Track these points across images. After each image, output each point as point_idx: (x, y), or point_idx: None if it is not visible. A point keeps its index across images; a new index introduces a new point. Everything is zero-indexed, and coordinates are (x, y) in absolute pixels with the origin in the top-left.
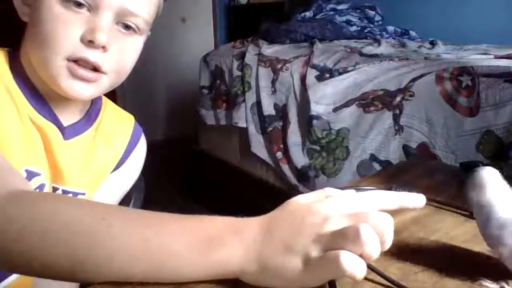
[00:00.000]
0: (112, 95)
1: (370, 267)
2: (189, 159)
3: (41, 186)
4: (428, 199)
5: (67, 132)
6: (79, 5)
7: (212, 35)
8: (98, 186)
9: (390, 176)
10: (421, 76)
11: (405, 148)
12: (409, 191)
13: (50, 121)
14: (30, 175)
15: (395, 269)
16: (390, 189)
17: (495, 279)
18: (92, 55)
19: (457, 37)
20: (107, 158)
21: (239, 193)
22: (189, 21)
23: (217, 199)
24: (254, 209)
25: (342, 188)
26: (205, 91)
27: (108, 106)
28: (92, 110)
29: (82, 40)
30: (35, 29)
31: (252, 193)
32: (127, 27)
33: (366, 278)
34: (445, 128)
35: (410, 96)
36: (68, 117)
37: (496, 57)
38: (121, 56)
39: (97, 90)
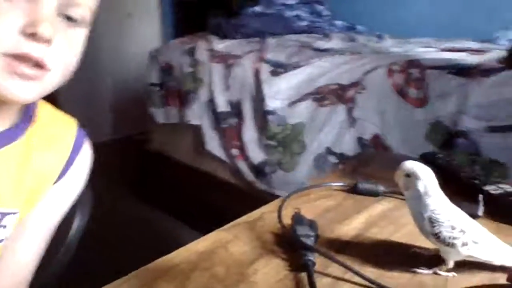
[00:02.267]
0: (51, 94)
1: (347, 267)
2: (140, 160)
3: None
4: (394, 192)
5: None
6: None
7: (158, 30)
8: (36, 202)
9: (353, 170)
10: (372, 69)
11: (359, 141)
12: (374, 184)
13: None
14: None
15: (371, 267)
16: (356, 184)
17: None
18: (35, 49)
19: (401, 30)
20: (45, 169)
21: (195, 192)
22: (135, 16)
23: (173, 200)
24: (211, 208)
25: (308, 187)
26: (155, 88)
27: (44, 109)
28: (25, 115)
29: (22, 33)
30: None
31: (208, 191)
32: (70, 18)
33: (344, 279)
34: (397, 119)
35: (363, 89)
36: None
37: (441, 50)
38: (66, 50)
39: (42, 90)
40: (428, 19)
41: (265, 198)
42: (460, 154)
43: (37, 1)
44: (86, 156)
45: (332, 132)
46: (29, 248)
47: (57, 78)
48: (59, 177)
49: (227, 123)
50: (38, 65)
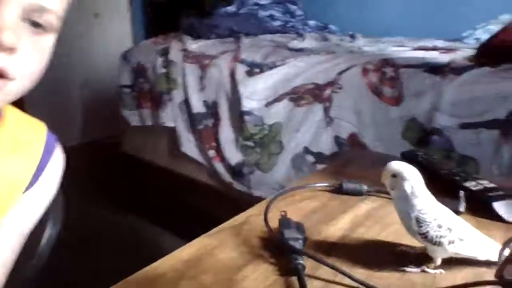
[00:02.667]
0: (19, 98)
1: (337, 269)
2: (114, 164)
3: None
4: (377, 191)
5: None
6: None
7: (129, 31)
8: (6, 210)
9: (335, 170)
10: (348, 69)
11: (336, 139)
12: (358, 184)
13: None
14: None
15: (361, 268)
16: (340, 184)
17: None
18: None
19: (373, 30)
20: (14, 176)
21: (172, 196)
22: (103, 16)
23: (150, 204)
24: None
25: (293, 189)
26: (127, 90)
27: (12, 114)
28: None
29: None
30: None
31: (185, 194)
32: (36, 24)
33: (334, 282)
34: (372, 118)
35: (339, 88)
36: None
37: (413, 49)
38: (32, 58)
39: (3, 99)
40: (398, 19)
41: (243, 199)
42: (435, 151)
43: (0, 7)
44: (57, 161)
45: (309, 131)
46: None
47: (21, 87)
48: (30, 184)
49: (203, 124)
50: (1, 75)
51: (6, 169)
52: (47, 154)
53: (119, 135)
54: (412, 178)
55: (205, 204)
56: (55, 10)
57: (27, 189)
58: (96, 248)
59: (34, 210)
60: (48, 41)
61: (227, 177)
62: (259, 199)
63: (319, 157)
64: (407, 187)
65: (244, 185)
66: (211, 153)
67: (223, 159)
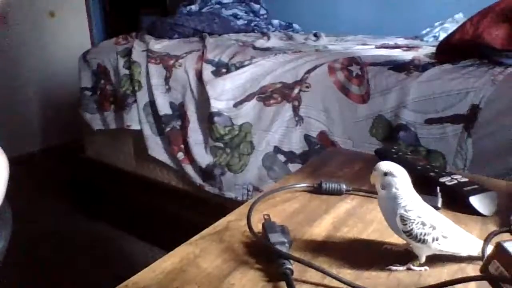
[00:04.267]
0: None
1: (325, 272)
2: (76, 170)
3: None
4: (356, 189)
5: None
6: None
7: (87, 30)
8: None
9: (313, 170)
10: (315, 67)
11: (307, 138)
12: (337, 183)
13: None
14: None
15: (348, 269)
16: (320, 184)
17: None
18: None
19: (335, 28)
20: None
21: (141, 200)
22: (59, 15)
23: (117, 210)
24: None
25: (272, 191)
26: (88, 92)
27: None
28: None
29: None
30: None
31: (155, 199)
32: None
33: (323, 284)
34: (341, 116)
35: (307, 87)
36: None
37: (377, 47)
38: None
39: None
40: (360, 17)
41: (215, 201)
42: (402, 146)
43: None
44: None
45: (279, 131)
46: None
47: None
48: None
49: (171, 126)
50: None
51: None
52: None
53: (81, 140)
54: (401, 177)
55: (176, 208)
56: None
57: None
58: (65, 259)
59: None
60: None
61: (197, 179)
62: (231, 201)
63: (290, 156)
64: (397, 186)
65: (216, 187)
66: (180, 155)
67: (192, 161)
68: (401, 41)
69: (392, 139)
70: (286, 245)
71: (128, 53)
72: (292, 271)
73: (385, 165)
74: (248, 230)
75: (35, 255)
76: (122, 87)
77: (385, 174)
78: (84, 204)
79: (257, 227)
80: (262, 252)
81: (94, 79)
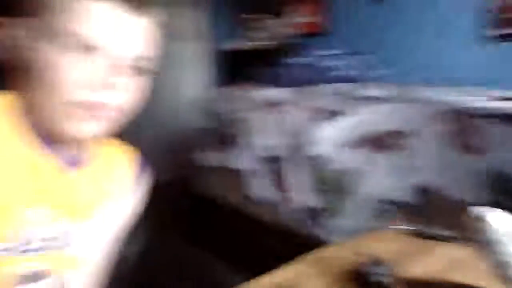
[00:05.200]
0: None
1: None
2: (188, 203)
3: (47, 225)
4: (462, 238)
5: (70, 164)
6: (90, 49)
7: (206, 79)
8: (103, 219)
9: (420, 216)
10: (425, 117)
11: (415, 188)
12: (440, 229)
13: (56, 157)
14: (37, 214)
15: None
16: (423, 228)
17: None
18: (105, 97)
19: (447, 78)
20: (110, 189)
21: (246, 236)
22: (186, 64)
23: (222, 243)
24: (263, 251)
25: (379, 229)
26: (203, 134)
27: (109, 141)
28: (93, 145)
29: (99, 83)
30: (35, 76)
31: (259, 235)
32: (137, 68)
33: None
34: (453, 167)
35: (416, 137)
36: (70, 150)
37: (490, 99)
38: (132, 95)
39: (109, 128)
40: (472, 68)
41: (315, 243)
42: None
43: (113, 55)
44: (143, 182)
45: (386, 179)
46: (89, 262)
47: (121, 118)
48: (121, 198)
49: (274, 167)
50: (101, 108)
51: (103, 190)
52: (137, 175)
53: (193, 175)
54: (502, 223)
55: (275, 246)
56: (148, 57)
57: (119, 200)
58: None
59: (119, 219)
60: (142, 81)
61: (297, 220)
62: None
63: (397, 205)
64: (495, 232)
65: (316, 229)
66: (284, 196)
67: (296, 202)
68: None
69: (509, 194)
70: (388, 278)
71: (241, 99)
72: None
73: (481, 213)
74: (350, 260)
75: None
76: (233, 129)
77: (482, 222)
78: (189, 233)
79: (359, 260)
80: (364, 281)
81: (210, 121)
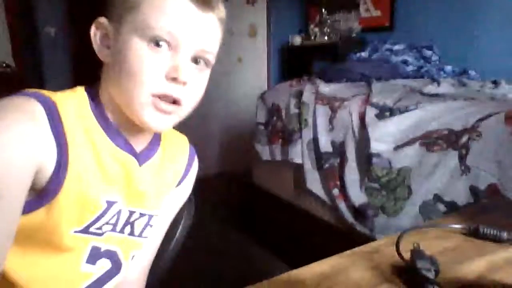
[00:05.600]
0: None
1: None
2: (243, 193)
3: (119, 212)
4: None
5: (141, 158)
6: (161, 44)
7: (265, 74)
8: (162, 204)
9: (473, 215)
10: (489, 116)
11: (473, 190)
12: (497, 230)
13: (126, 151)
14: (109, 204)
15: None
16: (477, 228)
17: None
18: (175, 90)
19: None
20: (171, 179)
21: (293, 229)
22: (245, 60)
23: (270, 234)
24: (308, 246)
25: (426, 226)
26: (261, 127)
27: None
28: (156, 137)
29: (166, 77)
30: (120, 68)
31: (306, 229)
32: (200, 62)
33: None
34: None
35: (477, 136)
36: (140, 144)
37: None
38: (196, 89)
39: (175, 121)
40: None
41: (364, 242)
42: None
43: (178, 51)
44: (195, 168)
45: (441, 179)
46: (151, 243)
47: (187, 111)
48: (179, 182)
49: (329, 163)
50: (175, 102)
51: (167, 174)
52: (190, 162)
53: (250, 168)
54: None
55: (324, 242)
56: (213, 51)
57: (176, 186)
58: (215, 275)
59: (177, 203)
60: (207, 75)
61: (349, 217)
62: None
63: (452, 206)
64: None
65: (367, 227)
66: (335, 191)
67: (347, 199)
68: None
69: None
70: (433, 272)
71: (299, 94)
72: None
73: None
74: (396, 254)
75: (191, 262)
76: (291, 124)
77: None
78: (243, 223)
79: (406, 255)
80: (408, 275)
81: (268, 116)
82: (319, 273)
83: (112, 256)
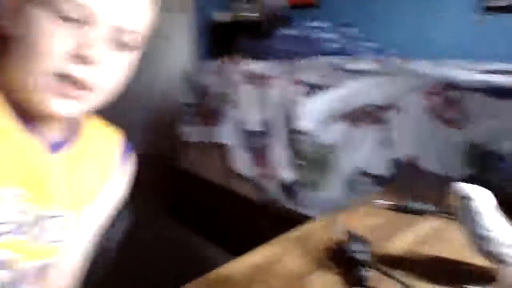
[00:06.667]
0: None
1: (404, 284)
2: (169, 177)
3: (23, 208)
4: (440, 211)
5: (52, 147)
6: (66, 19)
7: (191, 52)
8: (86, 207)
9: (399, 190)
10: (408, 91)
11: (395, 162)
12: (420, 203)
13: (34, 136)
14: (12, 195)
15: (425, 283)
16: (403, 203)
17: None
18: (82, 72)
19: (432, 53)
20: (93, 177)
21: (224, 211)
22: (170, 37)
23: (201, 217)
24: (240, 226)
25: (356, 205)
26: (187, 107)
27: (92, 121)
28: (72, 127)
29: (71, 55)
30: (18, 44)
31: (236, 210)
32: (120, 43)
33: None
34: (433, 141)
35: (398, 110)
36: (52, 131)
37: (476, 72)
38: (113, 74)
39: (83, 108)
40: (458, 42)
41: (295, 218)
42: (498, 178)
43: (89, 25)
44: (130, 165)
45: (366, 153)
46: (78, 250)
47: (100, 99)
48: (106, 184)
49: (258, 142)
50: (83, 85)
51: (87, 174)
52: (122, 159)
53: (178, 151)
54: (482, 199)
55: (255, 221)
56: (138, 32)
57: (103, 189)
58: (148, 262)
59: (108, 207)
60: (129, 58)
61: (279, 195)
62: (309, 219)
63: (375, 179)
64: (477, 208)
65: (297, 204)
66: (265, 171)
67: (276, 177)
68: (504, 66)
69: (487, 169)
70: (366, 254)
71: (225, 73)
72: (369, 279)
73: (464, 187)
74: (330, 237)
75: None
76: (218, 104)
77: (464, 196)
78: (170, 208)
79: (339, 236)
80: (343, 258)
81: (194, 96)
82: (251, 266)
83: (7, 265)
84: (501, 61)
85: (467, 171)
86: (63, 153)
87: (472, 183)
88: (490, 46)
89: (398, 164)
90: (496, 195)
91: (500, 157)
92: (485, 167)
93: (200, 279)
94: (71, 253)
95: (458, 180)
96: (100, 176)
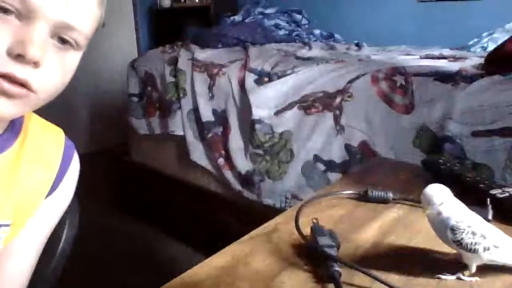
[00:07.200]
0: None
1: (374, 277)
2: (121, 173)
3: None
4: (403, 198)
5: None
6: (6, 11)
7: (134, 40)
8: (28, 217)
9: (358, 179)
10: (358, 77)
11: (347, 147)
12: (383, 192)
13: None
14: None
15: (396, 275)
16: (366, 191)
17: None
18: (20, 71)
19: (377, 39)
20: (36, 182)
21: (181, 204)
22: (109, 25)
23: (158, 213)
24: (199, 219)
25: (319, 196)
26: (135, 98)
27: (33, 121)
28: (12, 128)
29: (9, 53)
30: None
31: (194, 203)
32: (64, 41)
33: None
34: (383, 126)
35: (349, 97)
36: None
37: (421, 58)
38: (55, 73)
39: (23, 108)
40: (402, 28)
41: (253, 207)
42: (447, 158)
43: (30, 22)
44: (75, 167)
45: (319, 139)
46: (21, 264)
47: (42, 99)
48: (51, 190)
49: (212, 132)
50: (24, 85)
51: (28, 175)
52: (65, 160)
53: (127, 144)
54: (444, 196)
55: (214, 213)
56: (83, 30)
57: (48, 195)
58: (106, 259)
59: (54, 215)
60: (73, 58)
61: (236, 185)
62: (269, 208)
63: (330, 165)
64: (441, 206)
65: (254, 193)
66: (220, 161)
67: (232, 167)
68: (446, 51)
69: (436, 150)
70: (334, 248)
71: (174, 61)
72: (340, 274)
73: (429, 190)
74: (296, 232)
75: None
76: (168, 94)
77: (429, 197)
78: (126, 204)
79: (305, 230)
80: (311, 254)
81: (141, 86)
82: (218, 268)
83: None
84: (442, 47)
85: (418, 155)
86: (3, 155)
87: (432, 167)
88: (432, 32)
89: (350, 149)
90: (454, 184)
91: (448, 139)
92: (435, 150)
93: (166, 285)
94: (11, 269)
95: (412, 165)
96: (43, 185)
